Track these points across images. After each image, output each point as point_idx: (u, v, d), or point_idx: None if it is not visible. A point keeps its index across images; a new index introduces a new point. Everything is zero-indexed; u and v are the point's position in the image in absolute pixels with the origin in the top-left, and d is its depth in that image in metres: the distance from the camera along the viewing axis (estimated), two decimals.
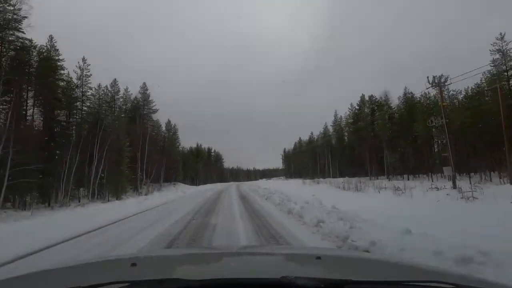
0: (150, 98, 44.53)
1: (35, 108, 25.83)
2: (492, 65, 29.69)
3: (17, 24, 21.96)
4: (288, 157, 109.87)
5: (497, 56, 30.11)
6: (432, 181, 35.20)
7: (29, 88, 23.90)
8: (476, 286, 1.00)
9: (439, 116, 23.57)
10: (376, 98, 51.72)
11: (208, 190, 32.39)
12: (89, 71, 30.44)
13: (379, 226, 6.10)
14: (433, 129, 33.39)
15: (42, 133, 23.97)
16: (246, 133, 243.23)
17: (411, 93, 47.70)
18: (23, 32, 22.25)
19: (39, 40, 24.98)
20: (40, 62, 24.53)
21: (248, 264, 1.53)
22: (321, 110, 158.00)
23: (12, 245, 5.80)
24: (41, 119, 25.81)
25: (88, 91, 30.58)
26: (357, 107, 55.94)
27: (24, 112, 23.73)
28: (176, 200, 16.34)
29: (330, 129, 70.64)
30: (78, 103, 29.81)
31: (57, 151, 24.58)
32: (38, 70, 23.94)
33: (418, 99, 44.20)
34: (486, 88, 31.40)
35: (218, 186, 49.90)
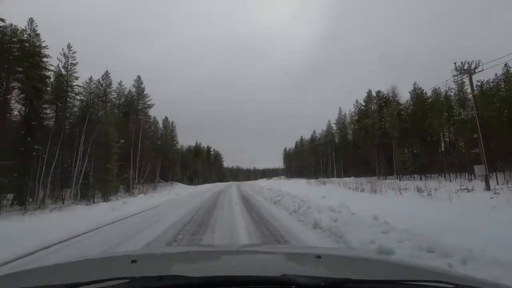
0: (145, 92, 41.58)
1: (15, 100, 22.92)
2: None
3: None
4: (289, 156, 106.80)
5: None
6: (450, 181, 32.30)
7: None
8: (477, 286, 0.98)
9: (463, 108, 20.66)
10: (384, 94, 48.76)
11: (206, 190, 29.40)
12: (74, 59, 27.40)
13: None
14: (452, 125, 30.58)
15: (18, 127, 21.06)
16: (246, 133, 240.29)
17: (420, 88, 44.92)
18: None
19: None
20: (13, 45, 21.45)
21: (248, 262, 1.50)
22: (323, 109, 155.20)
23: None
24: (21, 111, 22.89)
25: (74, 81, 27.49)
26: (363, 104, 52.94)
27: None
28: (163, 205, 13.04)
29: (334, 127, 67.69)
30: (66, 95, 26.84)
31: (36, 146, 21.66)
32: (11, 54, 20.88)
33: (430, 94, 41.49)
34: None
35: (218, 186, 46.80)
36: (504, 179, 29.45)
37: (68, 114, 26.35)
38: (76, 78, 27.52)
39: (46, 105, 25.56)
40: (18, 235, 6.49)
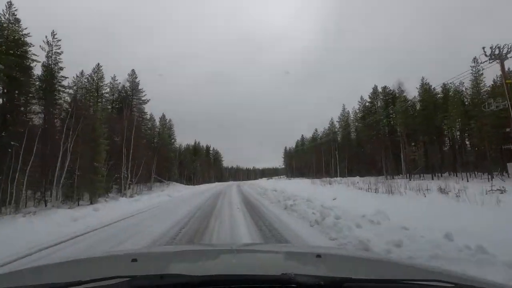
0: (140, 87, 38.99)
1: None
2: None
3: None
4: (289, 156, 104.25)
5: None
6: (468, 180, 29.83)
7: None
8: (476, 285, 0.97)
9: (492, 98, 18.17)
10: (391, 90, 46.28)
11: (203, 191, 26.84)
12: (59, 48, 24.85)
13: None
14: (469, 120, 28.15)
15: None
16: (245, 132, 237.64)
17: (428, 83, 42.50)
18: None
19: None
20: None
21: (249, 261, 1.51)
22: (323, 108, 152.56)
23: None
24: None
25: (60, 72, 24.92)
26: (368, 100, 50.46)
27: None
28: (145, 212, 10.19)
29: (336, 125, 65.19)
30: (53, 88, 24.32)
31: (12, 143, 19.11)
32: None
33: (439, 90, 39.01)
34: None
35: (217, 186, 44.19)
36: None
37: (55, 109, 23.94)
38: (61, 69, 24.99)
39: (34, 100, 23.22)
40: None
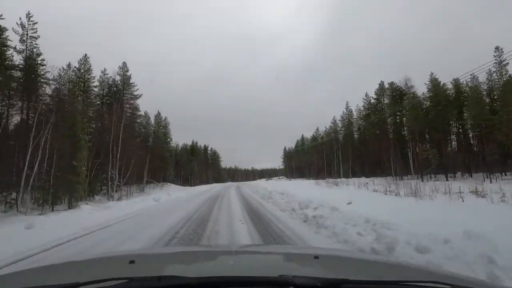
0: (132, 81, 35.84)
1: None
2: None
3: None
4: (289, 156, 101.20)
5: None
6: (491, 181, 26.92)
7: None
8: (472, 287, 0.97)
9: None
10: (398, 86, 43.41)
11: (199, 194, 23.75)
12: (35, 32, 21.70)
13: None
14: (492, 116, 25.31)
15: None
16: (244, 133, 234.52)
17: (436, 79, 39.70)
18: None
19: None
20: None
21: (246, 263, 1.48)
22: (324, 108, 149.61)
23: None
24: None
25: (38, 59, 21.77)
26: (374, 97, 47.58)
27: None
28: (105, 230, 6.95)
29: (339, 124, 62.26)
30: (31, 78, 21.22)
31: None
32: None
33: (449, 85, 36.17)
34: None
35: (214, 188, 40.96)
36: None
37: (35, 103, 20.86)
38: (38, 55, 21.85)
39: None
40: None
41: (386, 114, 40.05)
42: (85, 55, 32.25)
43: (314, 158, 70.03)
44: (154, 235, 6.11)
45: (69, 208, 20.05)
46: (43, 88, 22.52)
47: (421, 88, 52.43)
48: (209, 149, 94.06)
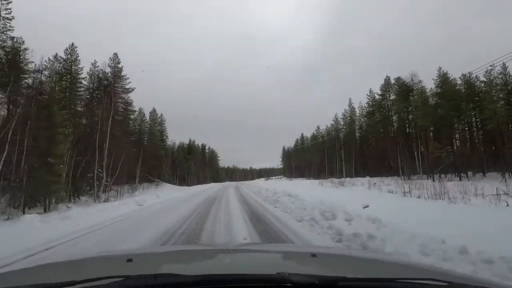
0: (123, 73, 33.15)
1: None
2: None
3: None
4: (288, 155, 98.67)
5: None
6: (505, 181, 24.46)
7: None
8: (470, 284, 0.97)
9: None
10: (405, 81, 41.00)
11: (194, 195, 21.18)
12: (10, 13, 19.02)
13: None
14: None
15: None
16: (243, 133, 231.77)
17: (445, 74, 37.37)
18: None
19: None
20: None
21: (244, 261, 1.46)
22: (323, 107, 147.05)
23: None
24: None
25: (7, 41, 19.08)
26: (379, 93, 45.13)
27: None
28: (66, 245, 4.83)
29: (341, 122, 59.75)
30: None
31: None
32: None
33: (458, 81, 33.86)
34: None
35: (212, 188, 38.29)
36: None
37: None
38: (11, 38, 19.18)
39: None
40: None
41: (393, 110, 37.60)
42: (72, 44, 29.59)
43: (314, 157, 67.57)
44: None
45: (44, 211, 17.45)
46: (25, 76, 19.92)
47: (426, 85, 50.08)
48: (207, 148, 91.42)
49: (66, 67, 29.10)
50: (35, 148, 16.29)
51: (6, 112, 16.79)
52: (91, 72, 33.27)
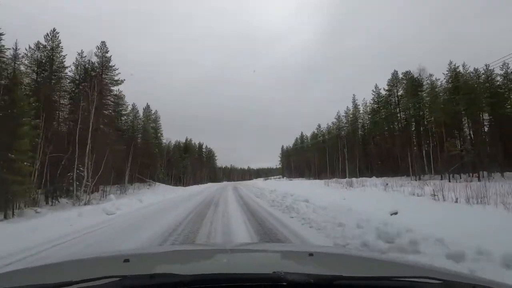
0: (112, 64, 29.99)
1: None
2: None
3: None
4: (286, 155, 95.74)
5: None
6: None
7: None
8: (464, 282, 0.96)
9: None
10: (414, 75, 38.26)
11: (187, 198, 18.13)
12: None
13: None
14: None
15: None
16: (243, 133, 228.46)
17: (455, 69, 34.72)
18: None
19: None
20: None
21: (241, 261, 1.44)
22: (323, 108, 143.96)
23: None
24: None
25: None
26: (385, 88, 42.35)
27: None
28: None
29: (343, 120, 56.92)
30: None
31: None
32: None
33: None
34: None
35: (209, 188, 35.17)
36: None
37: None
38: None
39: None
40: None
41: (403, 105, 34.76)
42: (54, 29, 26.46)
43: (315, 157, 64.70)
44: None
45: (5, 217, 14.36)
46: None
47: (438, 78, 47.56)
48: (204, 147, 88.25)
49: (47, 54, 26.00)
50: None
51: None
52: (77, 63, 30.19)
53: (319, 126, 69.09)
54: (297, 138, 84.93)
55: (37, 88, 24.14)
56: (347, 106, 55.39)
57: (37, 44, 27.29)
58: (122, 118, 41.06)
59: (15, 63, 22.51)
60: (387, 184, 23.61)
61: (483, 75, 30.62)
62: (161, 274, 0.87)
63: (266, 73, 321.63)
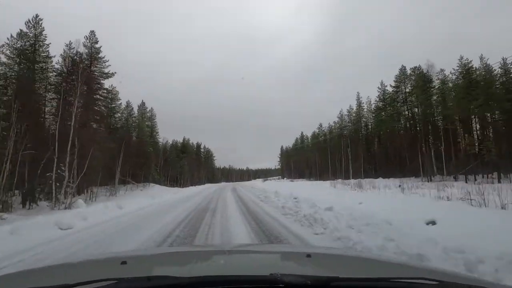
0: (101, 55, 27.48)
1: None
2: None
3: None
4: (286, 155, 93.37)
5: None
6: None
7: None
8: (459, 282, 0.97)
9: None
10: (422, 71, 36.05)
11: (179, 202, 15.69)
12: None
13: None
14: None
15: None
16: (243, 133, 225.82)
17: (466, 65, 32.56)
18: None
19: None
20: None
21: (238, 262, 1.42)
22: (322, 108, 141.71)
23: None
24: None
25: None
26: (392, 85, 40.12)
27: None
28: None
29: (346, 119, 54.66)
30: None
31: None
32: None
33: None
34: None
35: (206, 190, 32.64)
36: None
37: None
38: None
39: None
40: None
41: (413, 102, 32.48)
42: (36, 15, 23.94)
43: (316, 157, 62.39)
44: None
45: None
46: None
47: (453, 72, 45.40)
48: (202, 147, 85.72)
49: (28, 42, 23.52)
50: None
51: None
52: (65, 55, 27.70)
53: (320, 125, 66.81)
54: (297, 138, 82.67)
55: (17, 79, 21.76)
56: (350, 105, 53.21)
57: (20, 33, 24.86)
58: (115, 115, 38.64)
59: None
60: (399, 186, 21.25)
61: (500, 69, 28.43)
62: (158, 277, 0.87)
63: (266, 73, 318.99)
